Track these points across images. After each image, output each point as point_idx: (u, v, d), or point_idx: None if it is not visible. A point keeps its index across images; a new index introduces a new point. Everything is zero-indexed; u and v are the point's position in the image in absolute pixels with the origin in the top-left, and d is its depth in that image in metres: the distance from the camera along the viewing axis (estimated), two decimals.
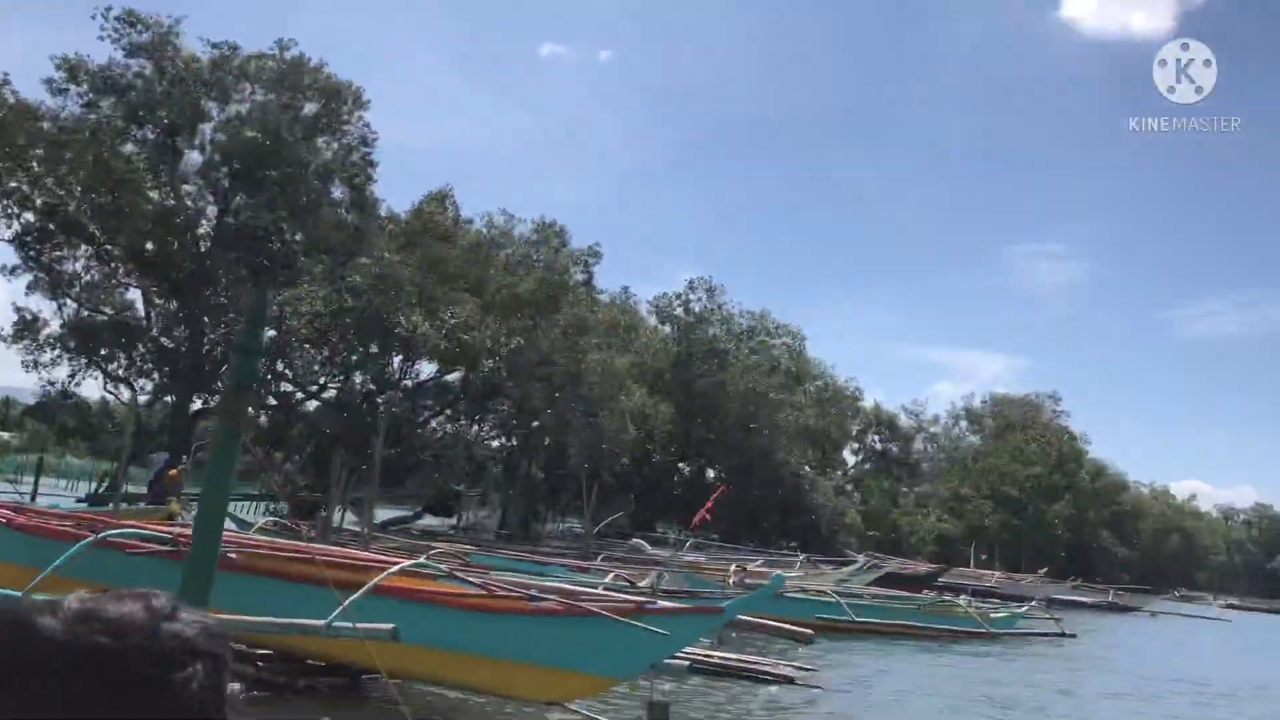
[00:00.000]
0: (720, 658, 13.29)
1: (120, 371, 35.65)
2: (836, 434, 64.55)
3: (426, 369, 38.46)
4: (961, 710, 13.84)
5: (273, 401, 36.69)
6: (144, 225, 32.54)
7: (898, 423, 79.64)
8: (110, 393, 37.40)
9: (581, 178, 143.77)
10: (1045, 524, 70.26)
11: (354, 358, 35.07)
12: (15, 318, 34.41)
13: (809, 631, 14.62)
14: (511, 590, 9.21)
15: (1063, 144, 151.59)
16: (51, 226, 32.74)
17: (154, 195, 33.27)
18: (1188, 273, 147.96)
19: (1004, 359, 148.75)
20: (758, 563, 29.33)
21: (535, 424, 39.06)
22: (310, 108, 35.65)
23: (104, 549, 8.99)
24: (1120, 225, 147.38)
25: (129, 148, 33.08)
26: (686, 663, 11.57)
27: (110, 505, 21.01)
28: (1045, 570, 51.47)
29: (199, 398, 35.30)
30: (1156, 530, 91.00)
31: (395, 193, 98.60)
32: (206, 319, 34.04)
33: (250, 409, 33.30)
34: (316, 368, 35.75)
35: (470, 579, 9.58)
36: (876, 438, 78.30)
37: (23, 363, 34.42)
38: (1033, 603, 30.35)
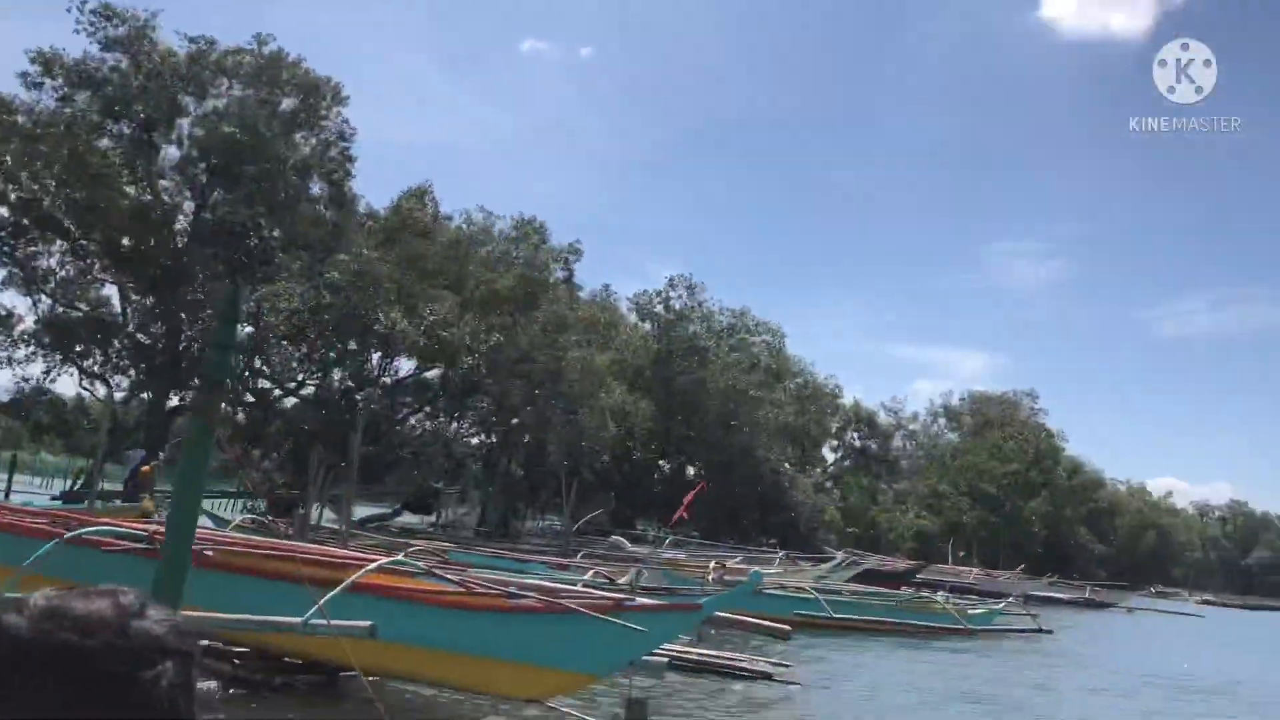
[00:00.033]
0: (698, 654, 13.31)
1: (96, 368, 35.36)
2: (816, 431, 64.77)
3: (405, 366, 38.39)
4: (938, 706, 13.92)
5: (250, 398, 36.49)
6: (120, 221, 32.27)
7: (877, 420, 79.99)
8: (86, 389, 37.14)
9: (562, 174, 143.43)
10: (1023, 521, 70.72)
11: (332, 355, 34.91)
12: None
13: (786, 628, 14.66)
14: (490, 587, 9.20)
15: (1042, 143, 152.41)
16: (26, 222, 32.42)
17: (130, 190, 32.99)
18: (1164, 272, 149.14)
19: (982, 357, 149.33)
20: (737, 560, 29.37)
21: (515, 421, 38.98)
22: (288, 103, 35.43)
23: (78, 546, 8.93)
24: (1098, 224, 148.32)
25: (105, 142, 32.78)
26: (665, 659, 11.59)
27: (85, 503, 20.88)
28: (1022, 567, 51.77)
29: (176, 394, 35.07)
30: (1133, 527, 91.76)
31: (375, 189, 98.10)
32: (184, 315, 33.80)
33: (228, 406, 33.19)
34: (295, 365, 35.57)
35: (448, 576, 9.56)
36: (856, 435, 78.60)
37: None
38: (1010, 599, 30.53)
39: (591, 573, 17.20)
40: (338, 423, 31.60)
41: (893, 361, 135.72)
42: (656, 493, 49.75)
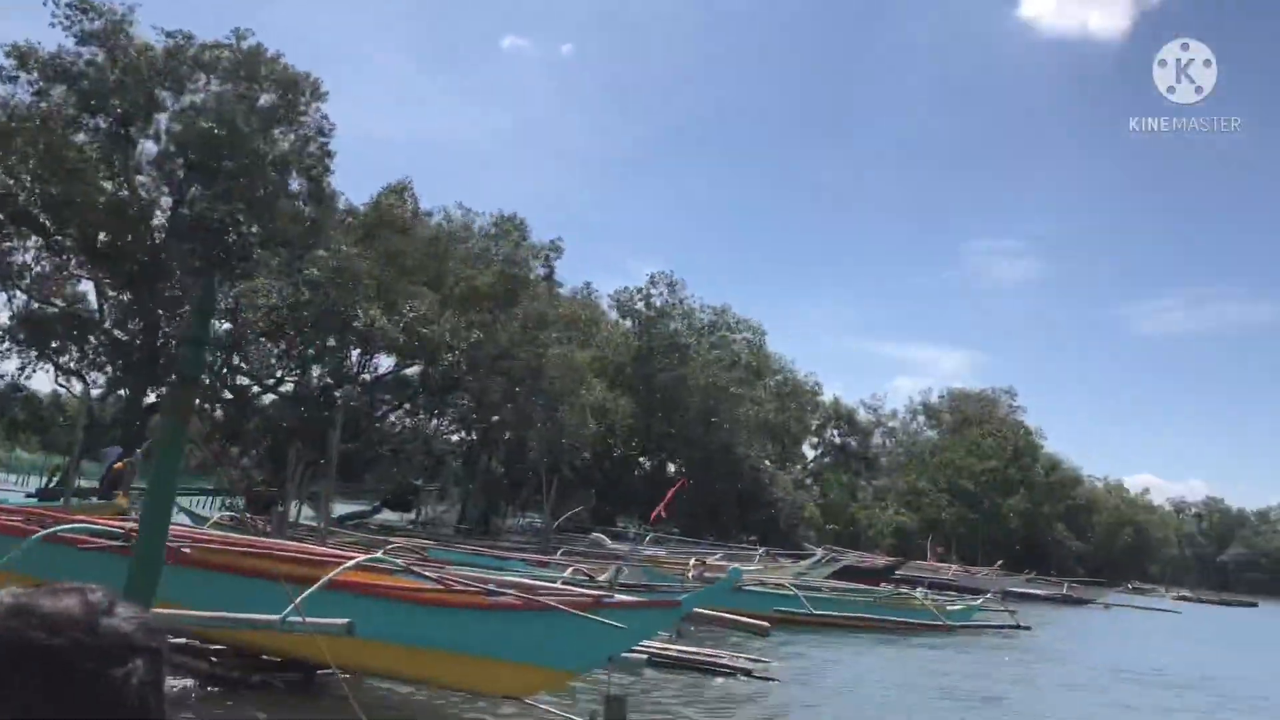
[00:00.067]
0: (678, 651, 13.34)
1: (72, 364, 35.07)
2: (796, 428, 64.96)
3: (385, 363, 38.25)
4: (916, 701, 13.99)
5: (229, 395, 36.28)
6: (96, 216, 32.00)
7: (856, 417, 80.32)
8: (62, 386, 36.82)
9: (543, 171, 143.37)
10: (1001, 517, 71.17)
11: (311, 351, 34.74)
12: None
13: (765, 624, 14.74)
14: (469, 585, 9.19)
15: (1020, 142, 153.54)
16: (1, 217, 32.11)
17: (107, 186, 32.71)
18: (1141, 270, 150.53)
19: (961, 354, 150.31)
20: (717, 556, 29.42)
21: (495, 418, 38.89)
22: (267, 98, 35.20)
23: (54, 544, 8.87)
24: (1076, 222, 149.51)
25: (81, 137, 32.49)
26: (644, 656, 11.62)
27: (61, 500, 20.71)
28: (1001, 563, 52.15)
29: (153, 391, 34.80)
30: (1110, 524, 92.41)
31: (355, 186, 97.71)
32: (161, 311, 33.55)
33: (205, 403, 33.02)
34: (273, 361, 35.37)
35: (427, 574, 9.54)
36: (836, 432, 78.89)
37: None
38: (988, 595, 30.71)
39: (571, 570, 17.21)
40: (317, 420, 31.46)
41: (872, 359, 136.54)
42: (637, 490, 49.75)
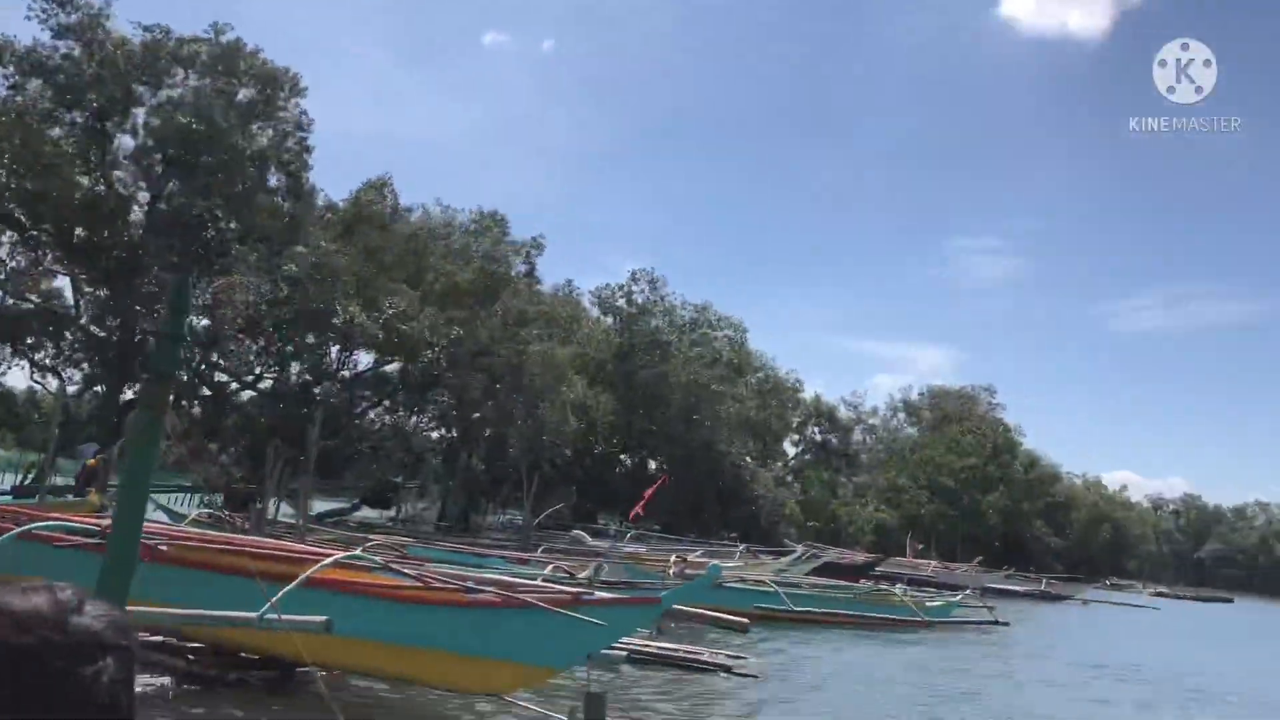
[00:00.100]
0: (657, 648, 13.36)
1: (48, 361, 34.80)
2: (777, 425, 65.04)
3: (364, 359, 38.10)
4: (894, 697, 14.06)
5: (207, 392, 36.07)
6: (72, 211, 31.75)
7: (837, 414, 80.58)
8: (37, 382, 36.52)
9: (524, 168, 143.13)
10: (980, 514, 71.55)
11: (290, 348, 34.57)
12: None
13: (745, 621, 14.70)
14: (448, 582, 9.17)
15: (1001, 141, 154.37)
16: None
17: (83, 181, 32.45)
18: (1119, 268, 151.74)
19: (941, 352, 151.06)
20: (698, 553, 29.44)
21: (475, 415, 38.79)
22: (246, 93, 34.98)
23: (28, 542, 8.81)
24: (1055, 220, 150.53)
25: (57, 131, 32.20)
26: (624, 653, 11.64)
27: (37, 497, 20.55)
28: (980, 559, 52.37)
29: (130, 388, 34.55)
30: (1088, 520, 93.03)
31: (335, 182, 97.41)
32: (138, 308, 33.29)
33: (184, 400, 32.79)
34: (252, 358, 35.20)
35: (406, 571, 9.52)
36: (816, 429, 79.13)
37: None
38: (967, 592, 30.88)
39: (552, 567, 17.19)
40: (295, 416, 31.33)
41: (853, 356, 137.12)
42: (618, 487, 49.72)
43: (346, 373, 37.86)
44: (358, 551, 10.63)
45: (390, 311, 33.11)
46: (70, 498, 20.58)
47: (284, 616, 7.29)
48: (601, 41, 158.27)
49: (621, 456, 53.23)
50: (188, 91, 33.89)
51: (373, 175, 38.83)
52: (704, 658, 13.38)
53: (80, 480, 23.05)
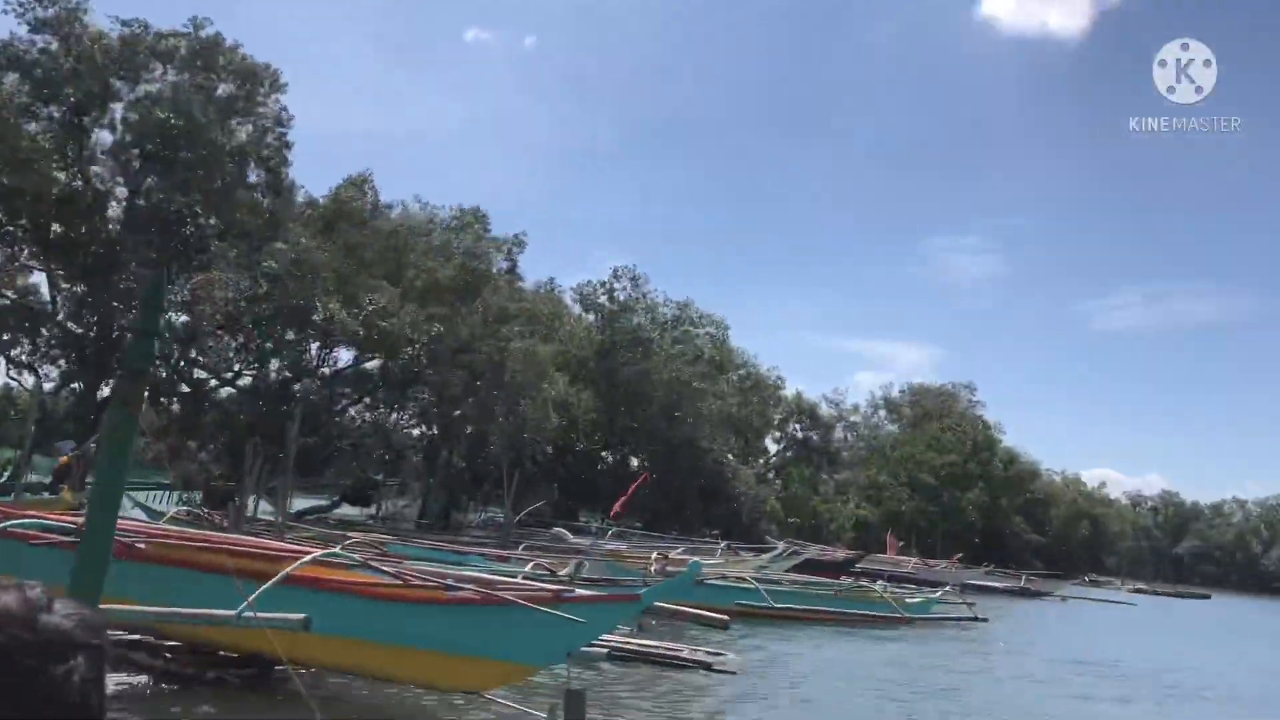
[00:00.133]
0: (638, 645, 13.37)
1: (24, 357, 34.52)
2: (759, 423, 65.20)
3: (344, 356, 37.96)
4: (874, 693, 14.12)
5: (186, 389, 35.86)
6: (49, 207, 31.49)
7: (818, 412, 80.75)
8: (13, 379, 36.28)
9: (506, 165, 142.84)
10: (960, 511, 71.86)
11: (269, 345, 34.41)
12: None
13: (725, 618, 14.81)
14: (427, 579, 9.16)
15: (981, 139, 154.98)
16: None
17: (60, 176, 32.18)
18: (1099, 266, 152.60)
19: (922, 349, 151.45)
20: (679, 550, 29.47)
21: (456, 412, 38.71)
22: (225, 89, 34.76)
23: (4, 540, 8.75)
24: (1036, 218, 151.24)
25: (33, 126, 31.92)
26: (604, 650, 11.65)
27: (12, 495, 20.38)
28: (959, 556, 52.58)
29: (107, 385, 34.31)
30: (1067, 517, 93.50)
31: (315, 179, 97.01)
32: (116, 304, 33.06)
33: (162, 396, 32.59)
34: (231, 355, 35.02)
35: (385, 569, 9.50)
36: (798, 426, 79.30)
37: None
38: (947, 588, 30.97)
39: (532, 565, 17.18)
40: (275, 414, 31.20)
41: (834, 354, 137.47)
42: (600, 484, 49.74)
43: (326, 369, 37.73)
44: (337, 549, 10.59)
45: (370, 308, 33.00)
46: (45, 495, 20.42)
47: (262, 614, 7.25)
48: (584, 39, 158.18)
49: (603, 454, 53.24)
50: (166, 87, 33.64)
51: (353, 171, 38.71)
52: (684, 655, 13.40)
53: (55, 478, 22.87)
